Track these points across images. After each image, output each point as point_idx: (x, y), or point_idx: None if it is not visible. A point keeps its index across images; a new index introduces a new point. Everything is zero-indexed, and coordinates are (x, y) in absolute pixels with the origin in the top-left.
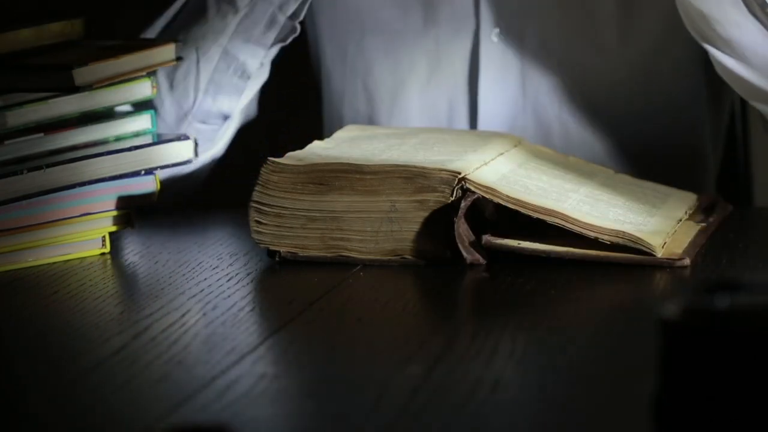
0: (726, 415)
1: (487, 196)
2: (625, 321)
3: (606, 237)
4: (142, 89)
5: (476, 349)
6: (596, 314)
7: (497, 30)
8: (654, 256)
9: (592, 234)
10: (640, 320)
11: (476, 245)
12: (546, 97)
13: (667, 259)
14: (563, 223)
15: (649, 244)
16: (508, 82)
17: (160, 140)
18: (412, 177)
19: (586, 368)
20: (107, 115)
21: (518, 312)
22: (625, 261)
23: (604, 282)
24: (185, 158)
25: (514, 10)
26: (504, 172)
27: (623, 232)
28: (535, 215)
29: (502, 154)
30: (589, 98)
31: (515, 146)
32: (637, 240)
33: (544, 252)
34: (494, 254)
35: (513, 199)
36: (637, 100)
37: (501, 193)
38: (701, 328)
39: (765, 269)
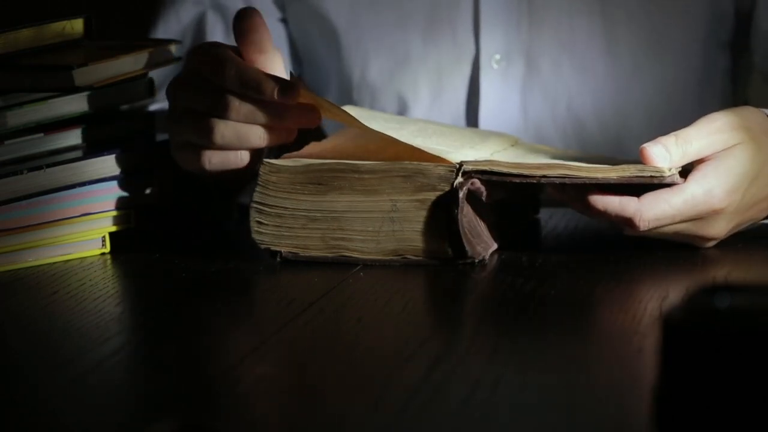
0: (726, 415)
1: (486, 168)
2: (625, 321)
3: (614, 174)
4: (142, 89)
5: (476, 349)
6: (596, 314)
7: (498, 56)
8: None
9: (599, 175)
10: (640, 320)
11: (480, 240)
12: (550, 126)
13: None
14: (568, 172)
15: (662, 171)
16: (509, 109)
17: (158, 141)
18: (410, 175)
19: (586, 368)
20: (107, 115)
21: (518, 312)
22: (627, 181)
23: (604, 282)
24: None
25: (518, 34)
26: None
27: (634, 167)
28: (539, 173)
29: (498, 152)
30: (597, 128)
31: (512, 145)
32: (658, 170)
33: (533, 176)
34: (499, 249)
35: (513, 164)
36: (652, 135)
37: (500, 162)
38: (701, 328)
39: (765, 270)
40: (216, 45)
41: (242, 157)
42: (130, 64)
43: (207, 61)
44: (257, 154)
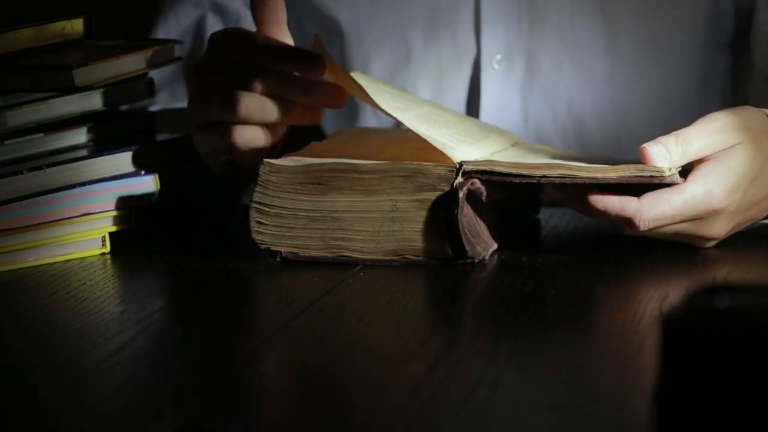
0: (726, 416)
1: (486, 168)
2: (625, 321)
3: (614, 174)
4: (142, 89)
5: (476, 349)
6: (596, 314)
7: (499, 56)
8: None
9: (599, 175)
10: (640, 320)
11: (480, 240)
12: (550, 126)
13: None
14: (568, 172)
15: (662, 171)
16: (509, 110)
17: (160, 140)
18: (410, 175)
19: (586, 368)
20: (107, 115)
21: (518, 312)
22: (627, 181)
23: (605, 282)
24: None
25: (519, 34)
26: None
27: (634, 167)
28: (539, 173)
29: (498, 152)
30: (597, 129)
31: (512, 145)
32: (658, 170)
33: (532, 176)
34: (500, 248)
35: (513, 164)
36: (652, 135)
37: (500, 162)
38: (701, 328)
39: (765, 270)
40: (238, 27)
41: (264, 137)
42: (130, 64)
43: (231, 39)
44: (277, 140)
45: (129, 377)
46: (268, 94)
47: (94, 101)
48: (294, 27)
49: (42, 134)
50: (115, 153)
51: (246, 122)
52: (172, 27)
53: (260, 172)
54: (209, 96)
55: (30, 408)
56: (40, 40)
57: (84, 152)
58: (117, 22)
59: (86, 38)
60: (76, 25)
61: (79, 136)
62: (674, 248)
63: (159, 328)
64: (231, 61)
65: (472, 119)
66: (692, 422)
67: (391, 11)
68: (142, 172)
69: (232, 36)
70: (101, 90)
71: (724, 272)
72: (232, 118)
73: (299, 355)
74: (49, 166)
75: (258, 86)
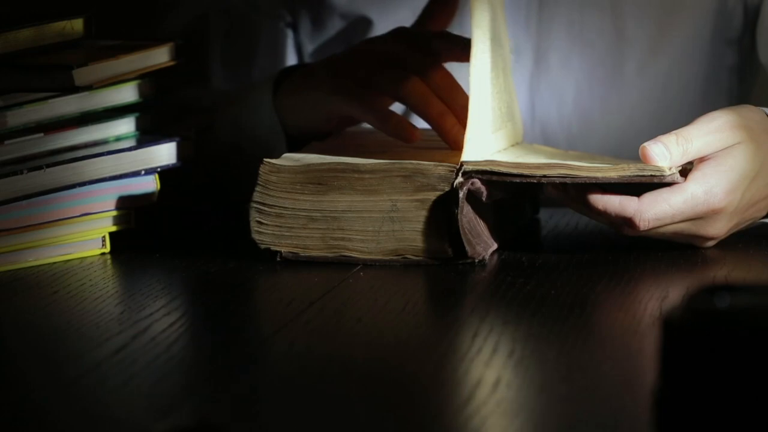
0: (726, 416)
1: (486, 168)
2: (625, 321)
3: (614, 174)
4: (142, 89)
5: (476, 349)
6: (596, 314)
7: None
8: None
9: (600, 175)
10: (640, 320)
11: (480, 240)
12: (556, 120)
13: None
14: (568, 172)
15: (662, 170)
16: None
17: (162, 140)
18: (410, 175)
19: (586, 368)
20: (107, 115)
21: (518, 312)
22: (627, 181)
23: (605, 282)
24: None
25: (527, 28)
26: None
27: (634, 166)
28: (540, 173)
29: (499, 152)
30: (603, 124)
31: (512, 145)
32: (658, 169)
33: (534, 176)
34: (500, 249)
35: (513, 164)
36: (654, 131)
37: (500, 162)
38: (701, 328)
39: (765, 270)
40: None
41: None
42: (130, 64)
43: (406, 29)
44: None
45: (129, 377)
46: (432, 86)
47: (94, 101)
48: (304, 27)
49: (42, 134)
50: (115, 153)
51: (402, 100)
52: (173, 28)
53: (260, 172)
54: (379, 66)
55: (30, 408)
56: (40, 40)
57: (84, 152)
58: (117, 22)
59: (86, 38)
60: (76, 25)
61: (79, 136)
62: (674, 248)
63: (158, 329)
64: (406, 43)
65: (510, 92)
66: (692, 422)
67: (401, 5)
68: (142, 172)
69: (406, 29)
70: (101, 90)
71: (724, 272)
72: (392, 92)
73: (299, 355)
74: (49, 166)
75: (427, 75)
